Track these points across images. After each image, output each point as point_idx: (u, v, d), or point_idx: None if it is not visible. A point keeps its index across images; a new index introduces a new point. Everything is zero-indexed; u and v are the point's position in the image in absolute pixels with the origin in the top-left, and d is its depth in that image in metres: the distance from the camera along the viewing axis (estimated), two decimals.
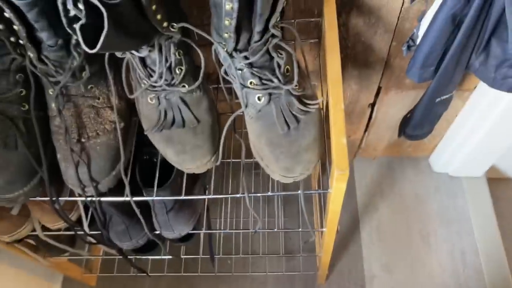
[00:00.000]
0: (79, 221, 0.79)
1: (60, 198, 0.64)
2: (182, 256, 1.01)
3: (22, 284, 1.08)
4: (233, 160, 0.85)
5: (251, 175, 1.27)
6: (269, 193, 0.64)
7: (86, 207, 0.77)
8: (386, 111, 1.06)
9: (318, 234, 1.19)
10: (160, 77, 0.57)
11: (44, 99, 0.62)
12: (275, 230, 1.10)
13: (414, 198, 1.31)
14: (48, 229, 0.80)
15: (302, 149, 0.57)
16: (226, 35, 0.53)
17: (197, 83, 0.59)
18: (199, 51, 0.58)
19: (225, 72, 0.60)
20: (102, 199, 0.63)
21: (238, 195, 0.63)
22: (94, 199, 0.62)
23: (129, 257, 0.87)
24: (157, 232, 0.76)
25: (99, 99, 0.61)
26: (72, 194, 0.66)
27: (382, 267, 1.21)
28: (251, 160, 0.66)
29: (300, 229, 0.83)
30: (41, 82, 0.60)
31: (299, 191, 0.62)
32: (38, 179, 0.62)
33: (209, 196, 0.66)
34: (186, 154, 0.60)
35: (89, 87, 0.60)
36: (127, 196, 0.64)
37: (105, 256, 1.05)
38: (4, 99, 0.59)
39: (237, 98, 0.61)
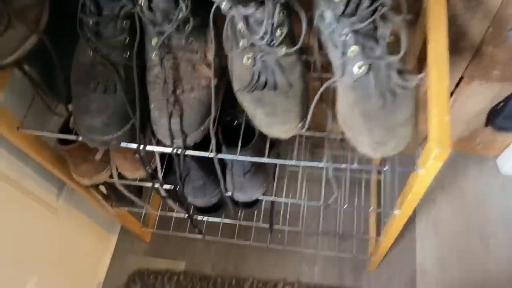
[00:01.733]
0: (153, 173, 0.81)
1: (148, 146, 0.66)
2: (239, 222, 1.02)
3: (84, 230, 1.14)
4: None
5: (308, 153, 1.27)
6: (355, 166, 0.64)
7: (161, 160, 0.79)
8: (465, 102, 1.02)
9: (373, 216, 1.18)
10: (263, 36, 0.57)
11: (144, 48, 0.64)
12: (344, 206, 1.09)
13: (477, 197, 1.26)
14: (124, 178, 0.83)
15: (398, 123, 0.56)
16: None
17: (297, 46, 0.58)
18: (302, 14, 0.58)
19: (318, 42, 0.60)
20: (189, 152, 0.65)
21: (321, 165, 0.63)
22: (181, 151, 0.64)
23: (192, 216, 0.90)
24: (229, 193, 0.78)
25: (196, 53, 0.62)
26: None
27: (436, 261, 1.19)
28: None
29: (370, 209, 0.82)
30: (143, 31, 0.61)
31: (385, 167, 0.61)
32: (130, 125, 0.64)
33: (291, 162, 0.66)
34: (277, 117, 0.60)
35: (189, 40, 0.61)
36: (211, 151, 0.65)
37: (167, 212, 1.09)
38: (109, 45, 0.61)
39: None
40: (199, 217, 1.00)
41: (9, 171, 0.80)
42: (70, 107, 0.76)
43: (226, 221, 1.04)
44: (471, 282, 1.14)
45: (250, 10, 0.56)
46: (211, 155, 0.65)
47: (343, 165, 0.63)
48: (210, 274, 1.20)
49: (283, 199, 0.86)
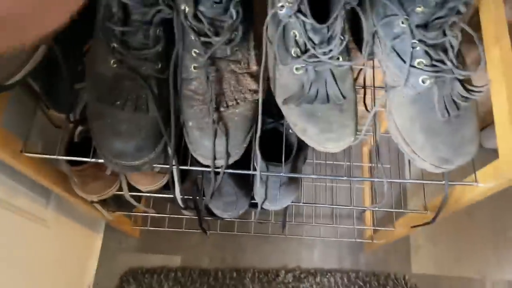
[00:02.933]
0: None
1: (181, 167, 0.59)
2: (253, 220, 0.99)
3: (72, 234, 1.04)
4: None
5: None
6: (409, 181, 0.61)
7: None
8: None
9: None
10: (320, 46, 0.51)
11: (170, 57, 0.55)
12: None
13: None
14: (135, 189, 0.75)
15: (466, 140, 0.53)
16: (419, 9, 0.47)
17: (362, 58, 0.53)
18: (364, 20, 0.52)
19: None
20: (230, 171, 0.58)
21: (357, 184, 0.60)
22: (221, 171, 0.58)
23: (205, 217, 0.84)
24: (254, 201, 0.73)
25: (240, 63, 0.55)
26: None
27: (427, 236, 1.23)
28: None
29: (409, 211, 0.81)
30: (182, 40, 0.52)
31: (444, 181, 0.59)
32: (162, 146, 0.56)
33: (342, 178, 0.62)
34: (332, 133, 0.55)
35: (235, 49, 0.53)
36: (254, 169, 0.59)
37: (172, 215, 1.02)
38: (139, 56, 0.52)
39: None
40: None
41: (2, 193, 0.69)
42: (71, 117, 0.66)
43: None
44: (458, 254, 1.21)
45: (311, 19, 0.49)
46: (256, 173, 0.59)
47: (384, 180, 0.60)
48: (208, 268, 1.17)
49: (301, 204, 0.82)
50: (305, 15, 0.49)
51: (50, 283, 0.91)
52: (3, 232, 0.72)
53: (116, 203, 0.87)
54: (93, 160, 0.58)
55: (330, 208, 1.19)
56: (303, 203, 0.86)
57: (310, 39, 0.51)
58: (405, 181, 0.61)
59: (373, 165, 1.15)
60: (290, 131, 0.67)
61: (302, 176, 0.63)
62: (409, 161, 0.70)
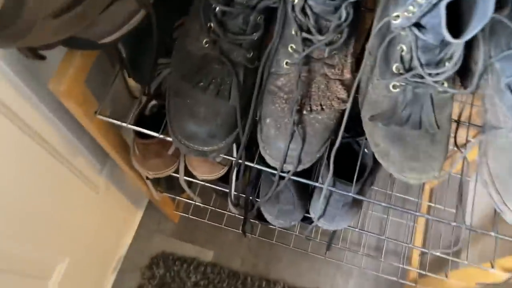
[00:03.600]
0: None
1: (246, 163, 0.56)
2: (295, 233, 0.95)
3: (117, 206, 1.04)
4: None
5: None
6: (493, 234, 0.55)
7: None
8: None
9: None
10: (428, 66, 0.47)
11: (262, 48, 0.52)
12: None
13: None
14: (189, 175, 0.73)
15: None
16: None
17: (470, 89, 0.48)
18: (483, 48, 0.47)
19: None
20: (296, 178, 0.55)
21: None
22: (287, 176, 0.54)
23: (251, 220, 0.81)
24: (308, 215, 0.69)
25: (334, 68, 0.51)
26: None
27: None
28: None
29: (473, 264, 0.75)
30: (282, 32, 0.49)
31: None
32: (234, 137, 0.54)
33: (417, 214, 0.57)
34: (418, 162, 0.51)
35: (333, 52, 0.50)
36: (321, 182, 0.56)
37: (216, 208, 1.00)
38: (234, 40, 0.50)
39: None
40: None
41: (61, 147, 0.69)
42: (146, 90, 0.65)
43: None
44: None
45: (430, 36, 0.45)
46: (322, 186, 0.56)
47: (463, 226, 0.54)
48: (238, 271, 1.13)
49: (357, 229, 0.77)
50: (422, 30, 0.44)
51: (84, 248, 0.91)
52: (57, 187, 0.73)
53: (168, 184, 0.86)
54: (161, 136, 0.57)
55: (376, 239, 1.12)
56: (353, 227, 0.81)
57: (418, 57, 0.47)
58: (488, 233, 0.55)
59: (433, 204, 1.07)
60: (366, 150, 0.63)
61: (370, 201, 0.59)
62: (472, 207, 0.64)
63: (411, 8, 0.42)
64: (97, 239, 0.98)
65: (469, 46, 0.51)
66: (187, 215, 1.12)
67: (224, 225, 1.09)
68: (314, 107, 0.51)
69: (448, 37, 0.38)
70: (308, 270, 1.15)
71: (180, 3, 0.58)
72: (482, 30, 0.48)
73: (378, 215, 1.16)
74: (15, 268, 0.70)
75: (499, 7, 0.48)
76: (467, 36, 0.38)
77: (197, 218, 1.10)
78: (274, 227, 1.06)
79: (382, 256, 1.03)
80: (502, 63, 0.48)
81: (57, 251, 0.81)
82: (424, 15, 0.41)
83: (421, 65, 0.47)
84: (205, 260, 1.15)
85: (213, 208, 1.02)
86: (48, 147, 0.66)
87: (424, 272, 0.96)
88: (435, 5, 0.40)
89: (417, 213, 0.56)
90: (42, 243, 0.75)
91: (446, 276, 0.85)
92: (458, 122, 0.61)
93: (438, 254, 0.69)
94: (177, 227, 1.19)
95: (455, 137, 0.59)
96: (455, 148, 0.61)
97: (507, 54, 0.46)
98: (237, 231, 1.01)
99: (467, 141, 0.59)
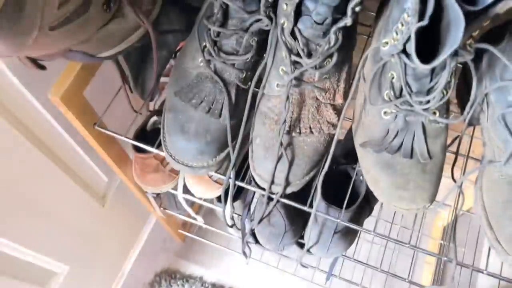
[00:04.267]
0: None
1: (237, 182, 0.56)
2: (296, 259, 0.92)
3: (122, 220, 1.06)
4: None
5: None
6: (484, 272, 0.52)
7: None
8: None
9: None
10: (418, 95, 0.46)
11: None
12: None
13: None
14: (190, 194, 0.74)
15: None
16: None
17: (463, 117, 0.47)
18: (475, 79, 0.46)
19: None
20: (284, 200, 0.55)
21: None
22: (275, 198, 0.54)
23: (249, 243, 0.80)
24: (303, 241, 0.68)
25: (325, 92, 0.51)
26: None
27: None
28: None
29: None
30: (273, 55, 0.50)
31: None
32: (224, 155, 0.54)
33: (407, 245, 0.55)
34: (407, 192, 0.50)
35: (324, 76, 0.50)
36: (310, 205, 0.55)
37: (220, 230, 0.99)
38: (227, 60, 0.51)
39: None
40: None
41: (67, 158, 0.71)
42: (149, 106, 0.67)
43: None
44: None
45: (416, 62, 0.44)
46: (310, 210, 0.55)
47: (454, 262, 0.52)
48: None
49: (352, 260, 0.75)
50: (408, 57, 0.44)
51: (85, 259, 0.92)
52: (60, 197, 0.75)
53: (170, 202, 0.87)
54: (155, 150, 0.58)
55: (383, 275, 1.08)
56: (355, 259, 0.78)
57: (408, 84, 0.46)
58: (479, 270, 0.53)
59: (444, 243, 1.03)
60: (361, 178, 0.62)
61: (359, 229, 0.57)
62: (489, 249, 0.61)
63: (394, 35, 0.42)
64: (100, 252, 0.99)
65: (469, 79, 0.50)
66: (192, 236, 1.12)
67: (229, 248, 1.08)
68: (303, 130, 0.51)
69: (417, 62, 0.38)
70: None
71: (187, 23, 0.60)
72: (475, 61, 0.48)
73: (388, 250, 1.12)
74: (13, 272, 0.72)
75: (495, 40, 0.48)
76: (437, 61, 0.38)
77: (201, 239, 1.10)
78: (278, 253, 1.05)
79: None
80: (496, 95, 0.47)
81: (57, 258, 0.82)
82: (406, 41, 0.41)
83: (410, 92, 0.46)
84: (209, 281, 1.14)
85: (216, 230, 1.01)
86: (54, 157, 0.68)
87: None
88: None
89: (402, 243, 0.54)
90: (42, 249, 0.76)
91: None
92: (456, 153, 0.59)
93: None
94: (182, 246, 1.19)
95: (452, 169, 0.58)
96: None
97: (499, 85, 0.45)
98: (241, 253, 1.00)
99: (462, 173, 0.57)
